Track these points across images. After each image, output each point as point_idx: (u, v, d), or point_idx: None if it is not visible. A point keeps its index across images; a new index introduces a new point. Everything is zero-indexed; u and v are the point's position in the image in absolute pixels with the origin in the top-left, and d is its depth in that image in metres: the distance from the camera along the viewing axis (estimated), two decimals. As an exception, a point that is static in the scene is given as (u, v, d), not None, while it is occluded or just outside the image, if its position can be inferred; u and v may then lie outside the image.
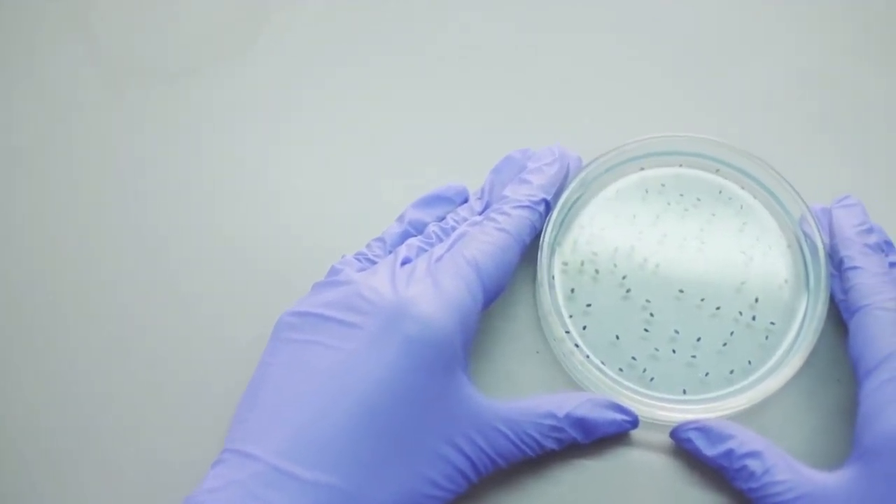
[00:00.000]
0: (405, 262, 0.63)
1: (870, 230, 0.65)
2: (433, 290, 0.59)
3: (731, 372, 0.65)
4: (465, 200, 0.69)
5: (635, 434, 0.64)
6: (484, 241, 0.62)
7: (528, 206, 0.65)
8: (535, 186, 0.66)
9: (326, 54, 0.78)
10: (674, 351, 0.66)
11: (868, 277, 0.63)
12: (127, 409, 0.66)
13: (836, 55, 0.79)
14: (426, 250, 0.64)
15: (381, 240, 0.66)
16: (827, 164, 0.74)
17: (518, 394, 0.63)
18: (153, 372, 0.67)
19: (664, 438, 0.64)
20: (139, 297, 0.69)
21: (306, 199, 0.73)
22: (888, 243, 0.67)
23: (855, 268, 0.63)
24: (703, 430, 0.62)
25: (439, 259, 0.62)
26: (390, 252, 0.65)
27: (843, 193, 0.68)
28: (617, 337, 0.66)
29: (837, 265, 0.65)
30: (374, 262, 0.64)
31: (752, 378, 0.65)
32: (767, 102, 0.77)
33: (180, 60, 0.78)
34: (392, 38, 0.79)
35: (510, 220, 0.64)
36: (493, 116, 0.76)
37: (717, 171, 0.71)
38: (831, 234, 0.66)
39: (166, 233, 0.72)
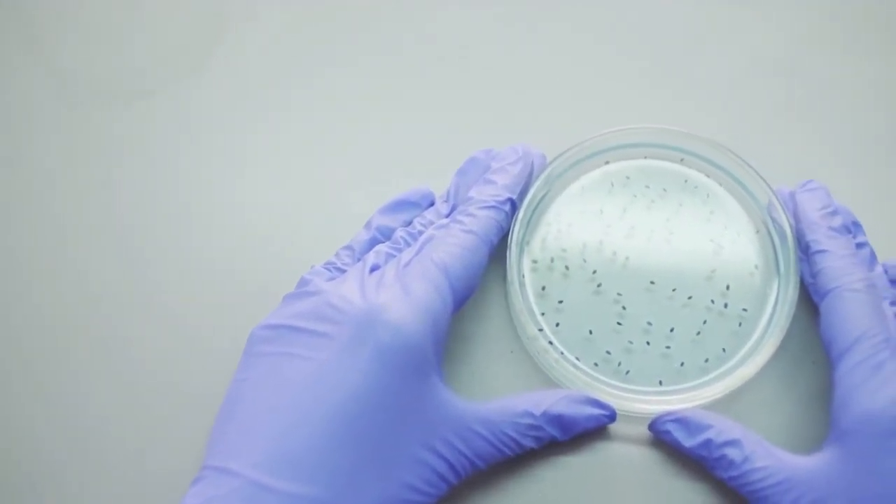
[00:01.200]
0: (374, 268, 0.63)
1: (834, 213, 0.66)
2: (403, 295, 0.59)
3: (706, 361, 0.65)
4: (432, 204, 0.69)
5: (614, 428, 0.64)
6: (451, 244, 0.62)
7: (493, 207, 0.64)
8: (499, 186, 0.65)
9: (284, 66, 0.78)
10: (648, 343, 0.66)
11: (835, 260, 0.63)
12: (104, 430, 0.66)
13: (797, 42, 0.79)
14: (395, 256, 0.64)
15: (349, 248, 0.66)
16: (791, 149, 0.74)
17: (494, 394, 0.63)
18: (128, 391, 0.67)
19: (643, 431, 0.64)
20: (104, 318, 0.69)
21: (274, 210, 0.72)
22: (855, 224, 0.67)
23: (821, 251, 0.64)
24: (681, 421, 0.62)
25: (408, 264, 0.62)
26: (359, 260, 0.65)
27: (808, 178, 0.68)
28: (590, 332, 0.66)
29: (804, 249, 0.65)
30: (343, 271, 0.64)
31: (727, 366, 0.65)
32: (730, 90, 0.77)
33: (139, 79, 0.78)
34: (349, 47, 0.79)
35: (476, 222, 0.63)
36: (457, 118, 0.75)
37: (682, 160, 0.71)
38: (796, 219, 0.66)
39: (136, 251, 0.71)
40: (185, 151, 0.74)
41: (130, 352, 0.68)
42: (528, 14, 0.80)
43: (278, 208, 0.72)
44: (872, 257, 0.66)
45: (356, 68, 0.78)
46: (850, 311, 0.61)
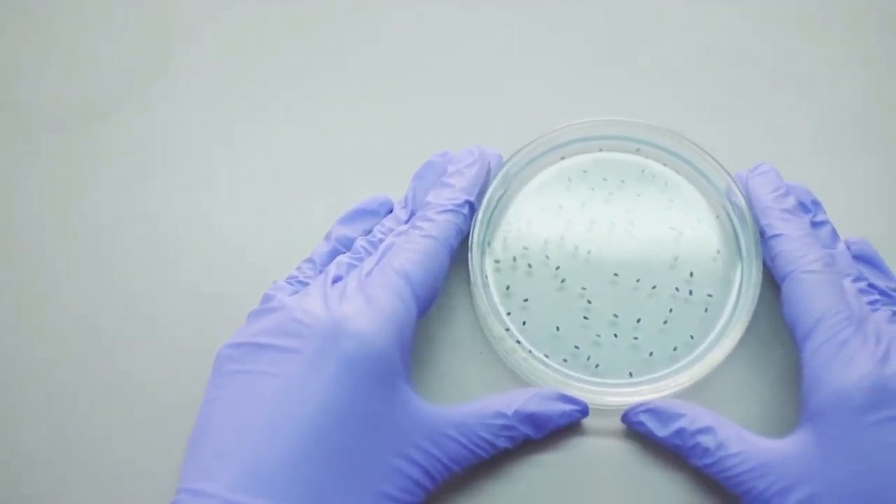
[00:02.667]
0: (336, 280, 0.63)
1: (786, 194, 0.66)
2: (366, 305, 0.59)
3: (675, 349, 0.65)
4: (391, 210, 0.68)
5: (588, 422, 0.64)
6: (411, 250, 0.62)
7: (451, 210, 0.64)
8: (456, 189, 0.65)
9: (236, 81, 0.78)
10: (615, 335, 0.66)
11: (790, 243, 0.63)
12: (76, 458, 0.65)
13: (749, 26, 0.80)
14: (356, 266, 0.64)
15: (310, 260, 0.66)
16: (748, 133, 0.75)
17: (465, 397, 0.63)
18: (98, 412, 0.66)
19: (616, 423, 0.64)
20: (65, 349, 0.68)
21: (234, 226, 0.72)
22: (814, 202, 0.67)
23: (777, 235, 0.64)
24: (654, 411, 0.62)
25: (369, 273, 0.62)
26: (321, 272, 0.65)
27: (764, 159, 0.68)
28: (557, 328, 0.66)
29: (761, 234, 0.65)
30: (306, 284, 0.64)
31: (696, 353, 0.65)
32: (683, 77, 0.77)
33: (93, 104, 0.77)
34: (300, 60, 0.79)
35: (435, 226, 0.63)
36: (411, 122, 0.75)
37: (638, 150, 0.71)
38: (750, 204, 0.66)
39: (96, 275, 0.71)
40: (142, 172, 0.74)
41: (99, 382, 0.67)
42: (476, 14, 0.80)
43: (238, 224, 0.72)
44: (833, 235, 0.66)
45: (307, 81, 0.78)
46: (810, 292, 0.61)
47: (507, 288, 0.67)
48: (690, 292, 0.67)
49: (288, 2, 0.81)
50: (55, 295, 0.70)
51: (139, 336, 0.68)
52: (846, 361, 0.58)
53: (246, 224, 0.72)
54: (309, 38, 0.79)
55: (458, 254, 0.66)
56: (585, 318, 0.66)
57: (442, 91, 0.77)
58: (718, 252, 0.68)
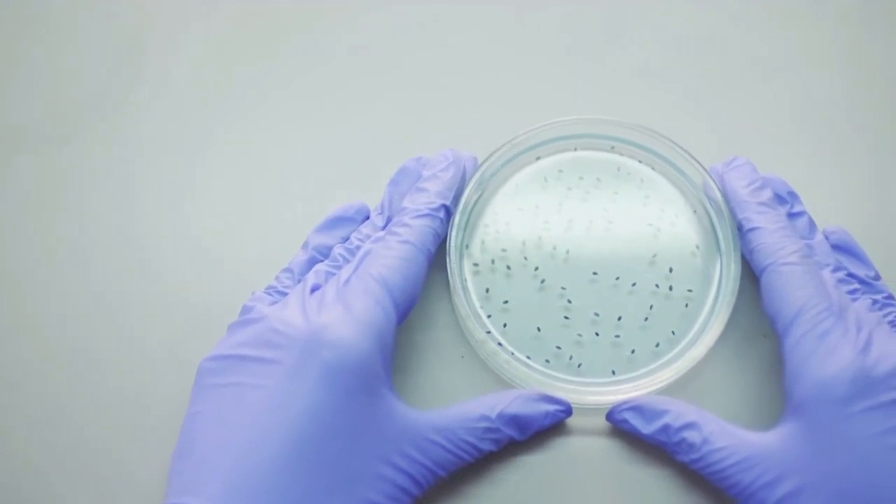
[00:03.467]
0: (314, 289, 0.62)
1: (761, 187, 0.66)
2: (345, 313, 0.59)
3: (657, 345, 0.65)
4: (367, 217, 0.68)
5: (572, 422, 0.64)
6: (388, 256, 0.62)
7: (427, 215, 0.64)
8: (432, 194, 0.65)
9: (207, 94, 0.77)
10: (597, 334, 0.66)
11: (767, 236, 0.63)
12: (59, 472, 0.65)
13: (718, 19, 0.80)
14: (334, 274, 0.63)
15: (288, 270, 0.66)
16: (722, 127, 0.75)
17: (449, 401, 0.62)
18: (82, 434, 0.66)
19: (601, 422, 0.64)
20: (45, 363, 0.68)
21: (211, 239, 0.72)
22: (791, 194, 0.67)
23: (753, 229, 0.64)
24: (638, 408, 0.62)
25: (347, 281, 0.61)
26: (299, 281, 0.64)
27: (741, 153, 0.68)
28: (538, 329, 0.66)
29: (738, 228, 0.65)
30: (284, 294, 0.64)
31: (678, 348, 0.65)
32: (653, 73, 0.77)
33: (64, 122, 0.77)
34: (267, 72, 0.78)
35: (412, 231, 0.63)
36: (385, 128, 0.75)
37: (613, 148, 0.71)
38: (726, 199, 0.66)
39: (74, 290, 0.70)
40: (119, 186, 0.74)
41: (77, 395, 0.67)
42: (447, 18, 0.80)
43: (216, 235, 0.72)
44: (811, 225, 0.66)
45: (279, 91, 0.77)
46: (788, 284, 0.61)
47: (487, 291, 0.67)
48: (670, 288, 0.67)
49: (260, 12, 0.81)
50: (32, 310, 0.70)
51: (119, 350, 0.68)
52: (828, 352, 0.58)
53: (224, 235, 0.71)
54: (280, 49, 0.79)
55: (437, 258, 0.66)
56: (566, 317, 0.66)
57: (415, 95, 0.76)
58: (697, 247, 0.68)
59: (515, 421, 0.61)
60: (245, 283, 0.67)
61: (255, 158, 0.74)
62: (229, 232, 0.72)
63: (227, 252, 0.71)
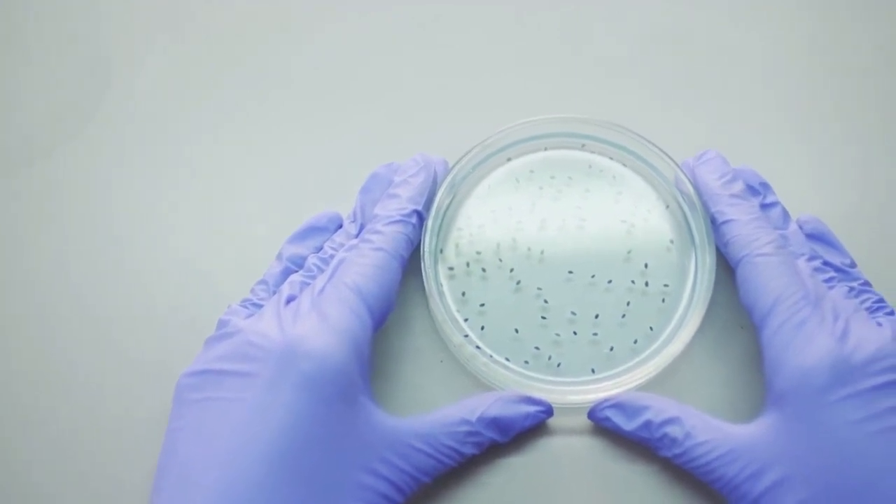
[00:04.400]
0: (290, 299, 0.62)
1: (733, 179, 0.66)
2: (320, 323, 0.59)
3: (635, 342, 0.65)
4: (340, 226, 0.68)
5: (554, 422, 0.64)
6: (362, 264, 0.62)
7: (399, 221, 0.64)
8: (403, 199, 0.65)
9: (174, 110, 0.77)
10: (575, 333, 0.66)
11: (740, 228, 0.63)
12: (37, 490, 0.65)
13: (683, 11, 0.80)
14: (309, 284, 0.63)
15: (263, 282, 0.65)
16: (692, 120, 0.75)
17: (430, 406, 0.62)
18: (64, 455, 0.65)
19: (583, 421, 0.64)
20: (25, 382, 0.68)
21: (185, 254, 0.71)
22: (763, 184, 0.67)
23: (727, 221, 0.64)
24: (619, 406, 0.62)
25: (321, 291, 0.61)
26: (275, 293, 0.64)
27: (712, 146, 0.68)
28: (516, 330, 0.66)
29: (712, 221, 0.65)
30: (260, 306, 0.64)
31: (656, 344, 0.65)
32: (620, 69, 0.77)
33: (32, 142, 0.76)
34: (237, 83, 0.78)
35: (384, 238, 0.63)
36: (354, 136, 0.75)
37: (583, 146, 0.71)
38: (699, 193, 0.66)
39: (51, 307, 0.70)
40: (91, 205, 0.73)
41: (57, 412, 0.67)
42: (409, 23, 0.80)
43: (190, 251, 0.71)
44: (784, 215, 0.66)
45: (247, 102, 0.77)
46: (764, 275, 0.61)
47: (463, 294, 0.67)
48: (647, 284, 0.67)
49: (225, 25, 0.80)
50: (11, 325, 0.69)
51: (99, 364, 0.67)
52: (806, 341, 0.58)
53: (199, 248, 0.71)
54: (247, 61, 0.79)
55: (412, 263, 0.66)
56: (543, 317, 0.66)
57: (382, 102, 0.76)
58: (671, 241, 0.68)
59: (496, 423, 0.61)
60: (222, 295, 0.67)
61: (226, 171, 0.74)
62: (204, 245, 0.71)
63: (203, 265, 0.71)
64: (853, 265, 0.65)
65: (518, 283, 0.67)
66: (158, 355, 0.67)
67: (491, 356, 0.65)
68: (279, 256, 0.67)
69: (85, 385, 0.67)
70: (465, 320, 0.66)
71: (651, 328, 0.66)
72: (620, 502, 0.62)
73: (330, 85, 0.77)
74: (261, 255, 0.69)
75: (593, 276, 0.67)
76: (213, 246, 0.71)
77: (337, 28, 0.80)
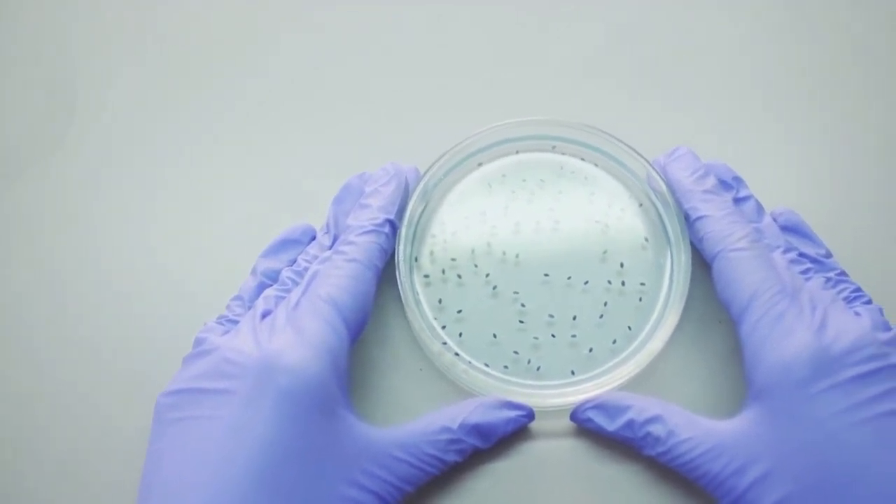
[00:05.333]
0: (265, 314, 0.62)
1: (705, 175, 0.66)
2: (296, 337, 0.58)
3: (614, 342, 0.65)
4: (314, 238, 0.67)
5: (537, 426, 0.64)
6: (336, 276, 0.61)
7: (372, 231, 0.64)
8: (375, 209, 0.65)
9: (145, 127, 0.76)
10: (553, 335, 0.65)
11: (714, 224, 0.63)
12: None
13: (647, 7, 0.80)
14: (284, 298, 0.63)
15: (238, 298, 0.65)
16: (663, 116, 0.75)
17: (410, 416, 0.62)
18: (45, 476, 0.65)
19: (565, 423, 0.64)
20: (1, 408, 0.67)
21: (161, 272, 0.71)
22: (736, 179, 0.67)
23: (701, 217, 0.64)
24: (601, 406, 0.62)
25: (296, 304, 0.61)
26: (250, 308, 0.64)
27: (680, 142, 0.68)
28: (494, 336, 0.66)
29: (686, 218, 0.65)
30: (236, 322, 0.63)
31: (635, 343, 0.65)
32: (588, 68, 0.77)
33: (3, 162, 0.76)
34: (203, 100, 0.77)
35: (357, 249, 0.63)
36: (325, 147, 0.75)
37: (554, 148, 0.71)
38: (671, 190, 0.66)
39: (24, 331, 0.69)
40: (61, 226, 0.73)
41: (36, 434, 0.66)
42: (371, 29, 0.80)
43: (164, 269, 0.71)
44: (758, 208, 0.66)
45: (217, 118, 0.77)
46: (740, 270, 0.61)
47: (440, 301, 0.67)
48: (623, 283, 0.67)
49: (187, 47, 0.80)
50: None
51: (77, 386, 0.67)
52: (784, 335, 0.58)
53: (172, 268, 0.71)
54: (212, 80, 0.78)
55: (388, 273, 0.65)
56: (521, 321, 0.66)
57: (351, 111, 0.76)
58: (646, 240, 0.68)
59: (478, 430, 0.60)
60: (200, 312, 0.67)
61: (197, 187, 0.74)
62: (179, 262, 0.71)
63: (178, 283, 0.70)
64: (829, 255, 0.65)
65: (494, 288, 0.67)
66: (137, 375, 0.67)
67: (470, 363, 0.65)
68: (253, 271, 0.66)
69: (65, 406, 0.67)
70: (443, 328, 0.66)
71: (629, 327, 0.65)
72: (606, 503, 0.62)
73: (298, 98, 0.77)
74: (237, 270, 0.68)
75: (569, 278, 0.67)
76: (188, 263, 0.71)
77: (302, 40, 0.80)
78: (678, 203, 0.66)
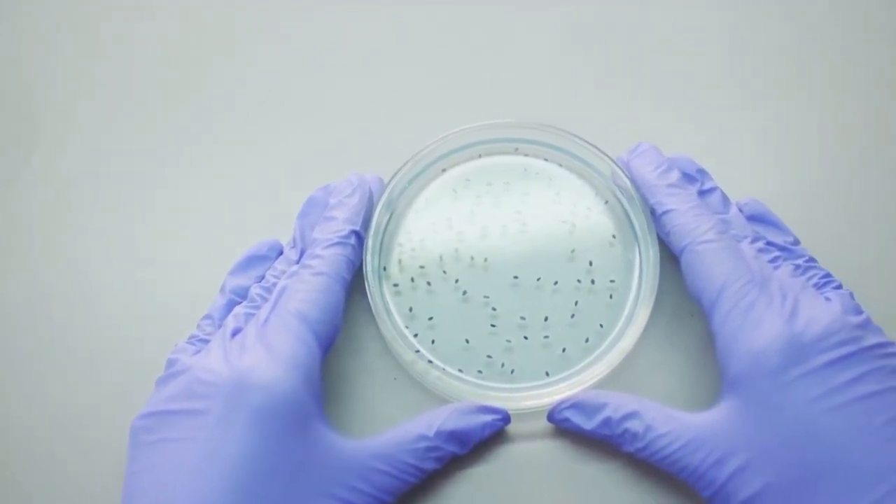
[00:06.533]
0: (235, 332, 0.62)
1: (668, 169, 0.66)
2: (266, 354, 0.58)
3: (587, 340, 0.65)
4: (281, 253, 0.67)
5: (514, 428, 0.64)
6: (304, 290, 0.61)
7: (338, 243, 0.64)
8: (340, 221, 0.65)
9: (106, 152, 0.76)
10: (526, 337, 0.65)
11: (680, 217, 0.64)
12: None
13: (603, 4, 0.80)
14: (254, 314, 0.63)
15: (209, 317, 0.65)
16: (620, 114, 0.75)
17: (387, 426, 0.62)
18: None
19: (543, 424, 0.64)
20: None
21: (129, 296, 0.70)
22: (700, 171, 0.68)
23: (667, 212, 0.64)
24: (577, 405, 0.62)
25: (266, 321, 0.61)
26: (220, 326, 0.63)
27: (642, 138, 0.69)
28: (467, 341, 0.65)
29: (652, 213, 0.65)
30: (207, 341, 0.63)
31: (608, 340, 0.66)
32: (546, 67, 0.77)
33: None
34: (164, 123, 0.77)
35: (324, 262, 0.63)
36: (288, 161, 0.75)
37: (517, 149, 0.71)
38: (636, 186, 0.66)
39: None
40: (25, 252, 0.72)
41: (10, 466, 0.66)
42: (324, 41, 0.80)
43: (133, 293, 0.71)
44: (724, 200, 0.67)
45: (176, 140, 0.76)
46: (708, 262, 0.62)
47: (411, 310, 0.66)
48: (593, 281, 0.67)
49: (152, 70, 0.79)
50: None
51: (50, 413, 0.67)
52: (755, 324, 0.59)
53: (140, 290, 0.70)
54: (173, 101, 0.78)
55: (357, 284, 0.65)
56: (493, 325, 0.66)
57: (311, 124, 0.76)
58: (614, 237, 0.68)
59: (454, 436, 0.60)
60: (172, 333, 0.66)
61: (159, 211, 0.73)
62: (143, 286, 0.70)
63: (145, 308, 0.70)
64: (796, 243, 0.66)
65: (464, 293, 0.67)
66: (112, 398, 0.67)
67: (444, 369, 0.65)
68: (222, 289, 0.66)
69: (41, 432, 0.67)
70: (415, 336, 0.66)
71: (601, 325, 0.65)
72: (588, 501, 0.62)
73: (259, 114, 0.77)
74: (209, 288, 0.68)
75: (539, 279, 0.67)
76: (156, 286, 0.70)
77: (259, 56, 0.79)
78: (644, 199, 0.66)
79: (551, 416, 0.63)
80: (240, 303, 0.65)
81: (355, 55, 0.79)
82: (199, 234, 0.72)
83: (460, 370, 0.65)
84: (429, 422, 0.61)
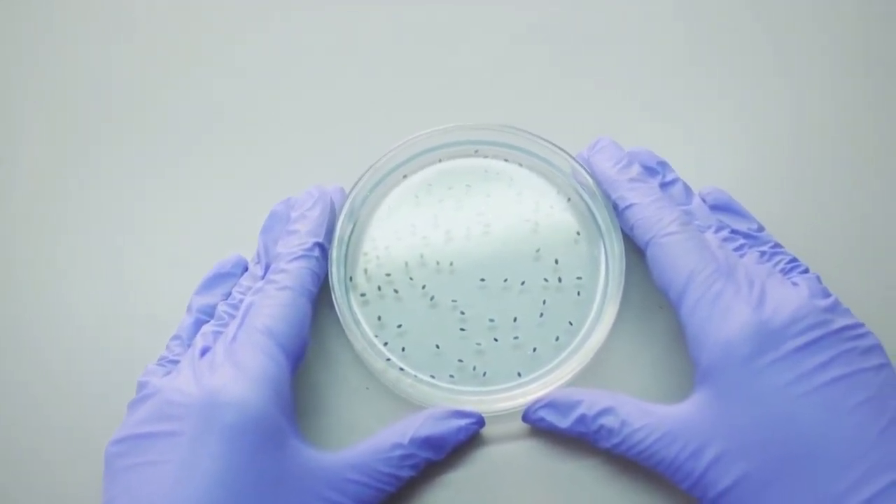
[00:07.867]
0: (204, 351, 0.61)
1: (628, 164, 0.66)
2: (235, 372, 0.58)
3: (557, 338, 0.65)
4: (246, 269, 0.67)
5: (490, 431, 0.64)
6: (270, 306, 0.61)
7: (302, 256, 0.63)
8: (303, 234, 0.64)
9: (63, 172, 0.76)
10: (496, 339, 0.65)
11: (643, 211, 0.64)
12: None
13: (553, 4, 0.80)
14: (221, 332, 0.62)
15: (177, 337, 0.65)
16: (578, 110, 0.75)
17: (362, 436, 0.61)
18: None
19: (518, 425, 0.64)
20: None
21: (96, 321, 0.70)
22: (661, 163, 0.68)
23: (629, 206, 0.64)
24: (551, 404, 0.62)
25: (234, 338, 0.60)
26: (189, 346, 0.63)
27: (601, 133, 0.69)
28: (437, 346, 0.65)
29: (614, 209, 0.65)
30: (177, 362, 0.63)
31: (578, 337, 0.66)
32: (501, 67, 0.78)
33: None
34: (123, 139, 0.77)
35: (289, 276, 0.62)
36: (250, 177, 0.74)
37: (476, 152, 0.71)
38: (597, 182, 0.67)
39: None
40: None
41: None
42: (279, 53, 0.79)
43: (99, 315, 0.70)
44: (686, 191, 0.67)
45: (135, 157, 0.76)
46: (673, 254, 0.62)
47: (379, 318, 0.66)
48: (560, 279, 0.67)
49: (101, 88, 0.79)
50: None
51: (24, 440, 0.67)
52: (724, 314, 0.59)
53: (107, 313, 0.70)
54: (131, 117, 0.78)
55: (325, 295, 0.65)
56: (462, 329, 0.66)
57: (270, 137, 0.76)
58: (578, 234, 0.68)
59: (429, 442, 0.60)
60: (143, 355, 0.66)
61: (125, 229, 0.73)
62: (113, 308, 0.70)
63: (112, 331, 0.69)
64: (761, 229, 0.66)
65: (432, 298, 0.66)
66: (85, 424, 0.66)
67: (416, 376, 0.64)
68: (189, 309, 0.66)
69: (15, 460, 0.66)
70: (385, 344, 0.66)
71: (571, 323, 0.65)
72: (567, 500, 0.62)
73: (215, 129, 0.76)
74: (176, 309, 0.67)
75: (506, 280, 0.67)
76: (124, 307, 0.70)
77: (213, 75, 0.79)
78: (606, 194, 0.66)
79: (526, 417, 0.63)
80: (207, 321, 0.65)
81: (307, 67, 0.79)
82: (163, 252, 0.72)
83: (432, 376, 0.64)
84: (403, 430, 0.60)
